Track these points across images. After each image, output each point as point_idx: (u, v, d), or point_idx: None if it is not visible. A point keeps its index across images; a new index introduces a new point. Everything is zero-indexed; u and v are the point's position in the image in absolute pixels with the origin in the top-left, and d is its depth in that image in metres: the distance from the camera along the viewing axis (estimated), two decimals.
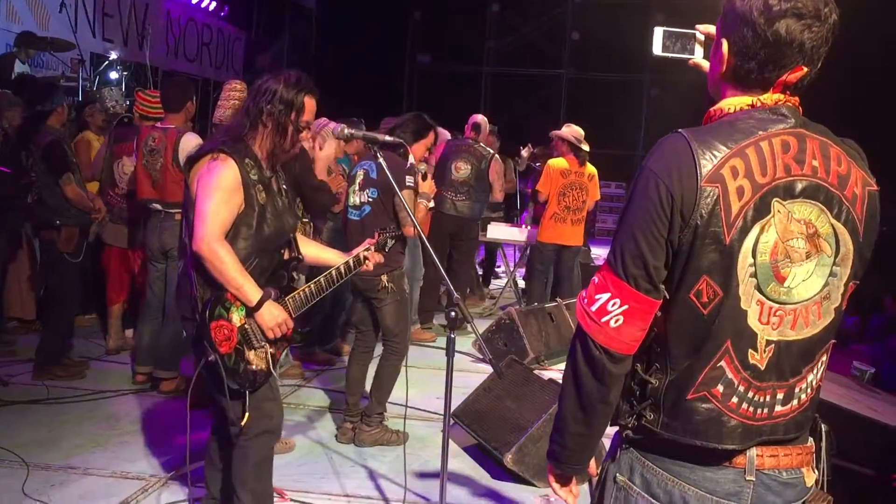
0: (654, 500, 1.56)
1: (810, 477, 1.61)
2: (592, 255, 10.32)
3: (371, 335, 4.64)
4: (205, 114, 9.55)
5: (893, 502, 6.17)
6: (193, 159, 2.89)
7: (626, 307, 1.51)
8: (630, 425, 1.60)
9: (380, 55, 16.17)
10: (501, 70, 17.60)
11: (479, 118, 7.51)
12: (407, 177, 4.19)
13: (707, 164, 1.47)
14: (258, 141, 2.92)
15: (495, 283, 9.99)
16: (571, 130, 7.16)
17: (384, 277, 4.27)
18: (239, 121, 2.92)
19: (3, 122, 5.60)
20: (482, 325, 6.99)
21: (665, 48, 1.81)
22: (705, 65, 1.72)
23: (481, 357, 6.31)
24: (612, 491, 1.63)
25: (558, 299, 6.88)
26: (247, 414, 2.84)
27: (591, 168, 7.27)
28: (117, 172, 5.95)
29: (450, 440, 4.44)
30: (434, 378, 5.02)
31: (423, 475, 4.03)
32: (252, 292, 2.80)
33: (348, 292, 6.16)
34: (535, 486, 3.96)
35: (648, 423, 1.57)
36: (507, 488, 3.97)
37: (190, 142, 4.86)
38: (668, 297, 1.52)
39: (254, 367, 2.86)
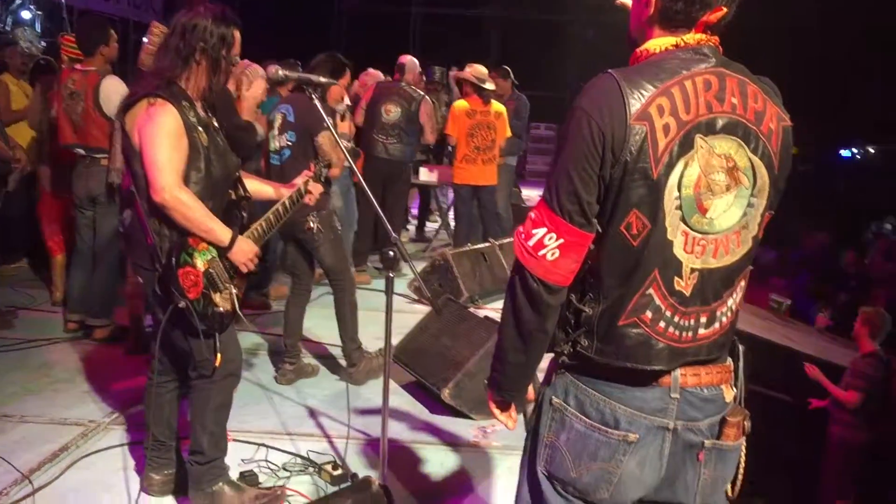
0: (587, 419, 1.66)
1: (729, 393, 1.74)
2: (524, 197, 10.48)
3: (307, 277, 4.67)
4: (125, 57, 9.22)
5: (808, 425, 6.58)
6: (128, 105, 2.83)
7: (561, 241, 1.59)
8: (565, 352, 1.69)
9: None
10: (431, 10, 17.40)
11: (406, 59, 7.46)
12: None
13: (635, 103, 1.54)
14: (191, 81, 2.88)
15: (430, 226, 10.06)
16: (473, 70, 7.19)
17: (310, 219, 4.30)
18: (170, 62, 2.84)
19: None
20: (417, 268, 7.09)
21: None
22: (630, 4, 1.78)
23: (417, 298, 6.41)
24: (548, 413, 1.73)
25: (490, 240, 6.99)
26: (218, 355, 2.88)
27: (497, 106, 7.31)
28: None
29: (391, 378, 4.59)
30: (371, 320, 5.07)
31: (364, 412, 4.12)
32: (223, 232, 2.83)
33: (277, 237, 6.18)
34: (472, 418, 4.10)
35: (583, 349, 1.66)
36: (446, 422, 4.10)
37: (110, 86, 4.74)
38: (600, 230, 1.61)
39: (221, 309, 2.88)
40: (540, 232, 1.61)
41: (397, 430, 3.93)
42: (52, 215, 5.90)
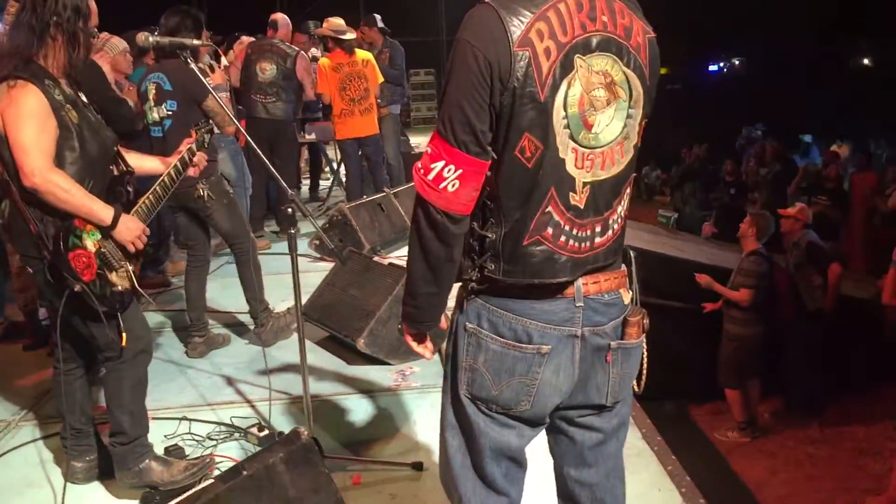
0: (501, 339, 1.75)
1: (626, 296, 1.86)
2: (412, 144, 10.50)
3: (203, 248, 4.59)
4: None
5: (704, 330, 6.96)
6: None
7: (460, 171, 1.64)
8: (473, 278, 1.76)
9: None
10: None
11: (278, 15, 7.31)
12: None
13: (516, 30, 1.59)
14: (50, 58, 2.76)
15: (323, 184, 9.97)
16: (329, 24, 7.15)
17: (200, 186, 4.22)
18: (24, 40, 2.71)
19: None
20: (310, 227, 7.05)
21: None
22: None
23: (319, 256, 6.39)
24: (464, 339, 1.80)
25: (385, 189, 7.01)
26: (123, 335, 2.82)
27: (363, 54, 7.26)
28: None
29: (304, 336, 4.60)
30: (275, 283, 5.06)
31: (281, 371, 4.13)
32: (103, 212, 2.74)
33: (169, 211, 6.02)
34: (390, 364, 4.17)
35: (490, 272, 1.74)
36: (364, 371, 4.16)
37: None
38: (495, 156, 1.67)
39: (119, 287, 2.82)
40: (438, 165, 1.65)
41: (318, 386, 3.96)
42: None
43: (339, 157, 8.37)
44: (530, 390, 1.76)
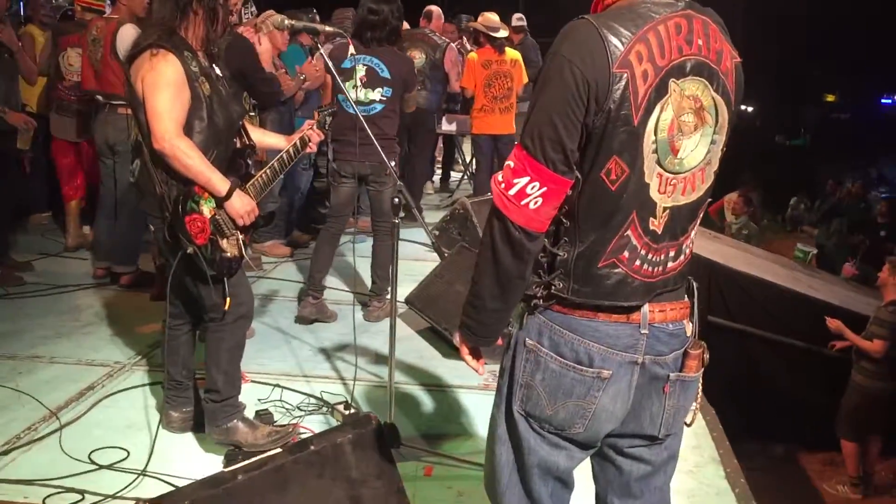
0: (561, 359, 1.73)
1: (689, 328, 1.82)
2: None
3: (345, 220, 4.81)
4: None
5: (826, 374, 6.58)
6: (132, 57, 2.89)
7: (544, 189, 1.62)
8: (539, 294, 1.75)
9: None
10: None
11: (432, 7, 7.43)
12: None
13: (616, 50, 1.56)
14: (191, 31, 2.94)
15: (455, 176, 10.09)
16: (483, 19, 7.14)
17: (393, 163, 4.43)
18: (169, 13, 2.89)
19: None
20: (439, 216, 7.16)
21: None
22: None
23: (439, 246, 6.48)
24: (522, 355, 1.79)
25: None
26: (227, 299, 2.98)
27: (512, 53, 7.24)
28: (63, 65, 5.83)
29: (405, 324, 4.70)
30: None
31: (377, 355, 4.23)
32: (220, 183, 2.89)
33: (299, 182, 6.30)
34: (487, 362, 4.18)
35: (558, 290, 1.72)
36: (457, 366, 4.18)
37: (126, 33, 4.79)
38: (579, 176, 1.64)
39: (228, 254, 2.98)
40: (522, 181, 1.63)
41: (409, 374, 4.04)
42: (65, 162, 6.03)
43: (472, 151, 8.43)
44: (586, 413, 1.74)
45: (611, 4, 1.67)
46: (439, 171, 9.88)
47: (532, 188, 1.62)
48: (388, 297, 4.71)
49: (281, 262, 6.06)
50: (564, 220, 1.69)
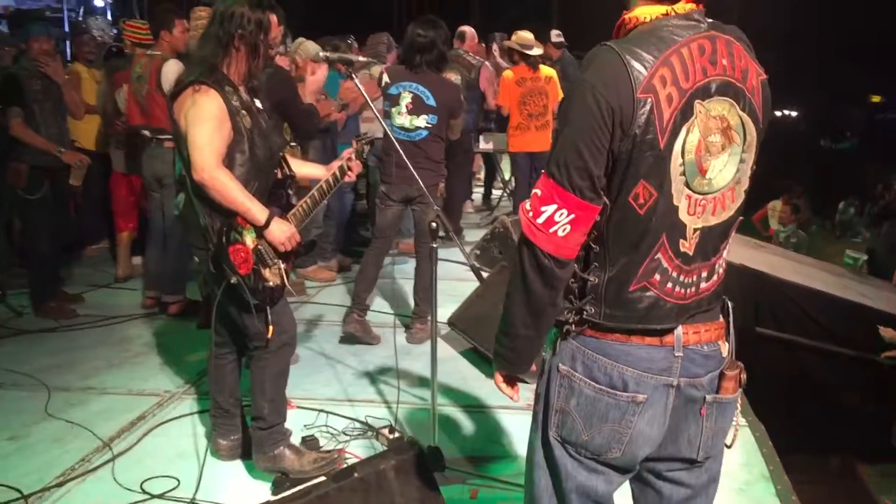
0: (595, 384, 1.73)
1: (725, 348, 1.80)
2: None
3: (390, 241, 4.92)
4: None
5: (880, 384, 6.43)
6: (175, 94, 2.98)
7: (573, 216, 1.63)
8: (571, 320, 1.75)
9: None
10: None
11: (465, 28, 7.50)
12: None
13: (639, 76, 1.57)
14: (233, 66, 3.02)
15: (496, 194, 10.11)
16: (517, 37, 7.17)
17: (441, 185, 4.64)
18: (211, 50, 2.98)
19: None
20: (480, 234, 7.19)
21: None
22: None
23: (479, 266, 6.49)
24: (556, 380, 1.79)
25: None
26: (270, 327, 3.04)
27: (547, 70, 7.27)
28: (120, 101, 5.98)
29: (448, 345, 4.72)
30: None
31: (420, 377, 4.25)
32: (259, 213, 2.95)
33: (342, 206, 6.39)
34: (527, 382, 4.17)
35: (590, 316, 1.72)
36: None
37: (170, 69, 4.92)
38: (607, 202, 1.65)
39: (271, 283, 3.04)
40: (550, 209, 1.64)
41: (451, 396, 4.05)
42: (120, 195, 6.20)
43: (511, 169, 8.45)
44: (622, 438, 1.73)
45: (632, 29, 1.68)
46: (480, 190, 9.91)
47: (560, 215, 1.64)
48: (424, 321, 4.75)
49: (325, 286, 6.14)
50: (594, 246, 1.70)
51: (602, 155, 1.61)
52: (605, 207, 1.66)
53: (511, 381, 1.95)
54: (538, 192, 1.67)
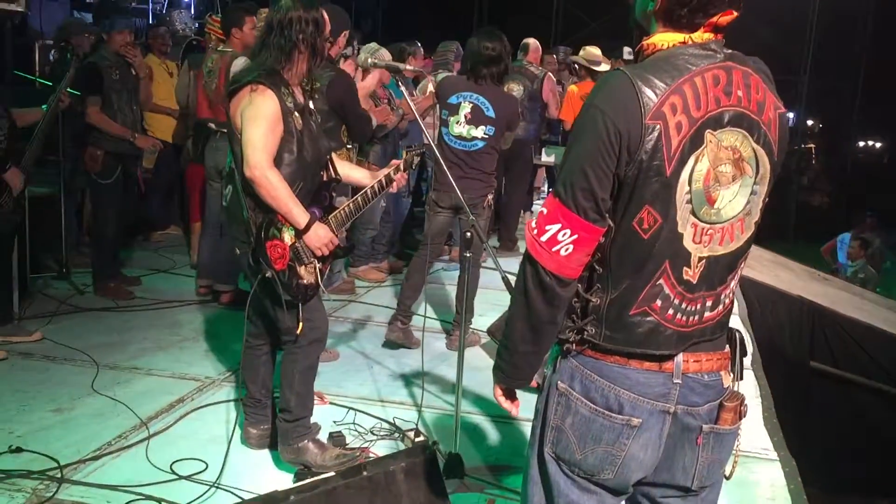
0: (592, 404, 1.74)
1: (727, 379, 1.79)
2: None
3: (438, 248, 5.00)
4: None
5: None
6: (232, 92, 3.08)
7: (576, 236, 1.65)
8: (571, 339, 1.76)
9: None
10: None
11: (529, 40, 7.52)
12: None
13: (649, 102, 1.58)
14: (293, 69, 3.10)
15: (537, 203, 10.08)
16: (585, 53, 7.15)
17: (489, 196, 4.69)
18: (274, 59, 3.05)
19: (73, 47, 5.88)
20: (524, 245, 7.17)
21: None
22: None
23: None
24: (554, 397, 1.81)
25: None
26: (300, 324, 3.12)
27: None
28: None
29: (486, 354, 4.75)
30: (479, 295, 5.17)
31: (455, 384, 4.27)
32: (300, 216, 3.04)
33: (399, 209, 6.46)
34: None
35: (590, 336, 1.73)
36: (529, 398, 4.19)
37: (239, 65, 5.06)
38: (612, 224, 1.67)
39: (305, 281, 3.12)
40: (553, 228, 1.66)
41: (481, 404, 4.06)
42: (194, 185, 6.41)
43: None
44: (615, 460, 1.74)
45: (649, 55, 1.69)
46: (539, 201, 9.89)
47: (563, 235, 1.65)
48: (472, 326, 4.79)
49: (374, 286, 6.23)
50: (597, 267, 1.71)
51: (608, 178, 1.62)
52: (609, 230, 1.67)
53: (510, 395, 1.97)
54: (544, 210, 1.70)
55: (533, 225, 1.71)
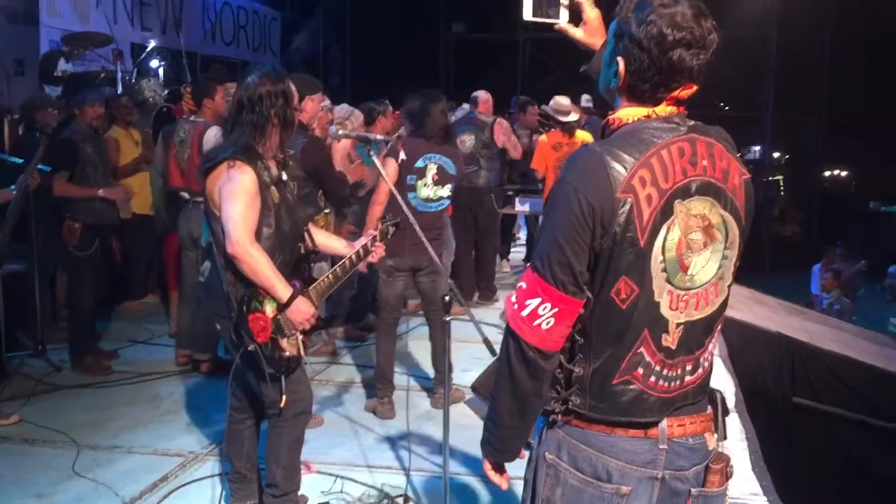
0: (580, 474, 1.74)
1: (711, 441, 1.81)
2: None
3: (399, 311, 4.91)
4: None
5: None
6: (209, 168, 3.08)
7: (556, 310, 1.67)
8: (557, 410, 1.78)
9: (414, 27, 16.27)
10: (540, 35, 17.42)
11: (479, 92, 7.65)
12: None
13: (619, 176, 1.63)
14: (266, 142, 3.12)
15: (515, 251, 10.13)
16: (555, 103, 7.24)
17: (444, 254, 4.61)
18: (248, 135, 3.07)
19: (38, 123, 5.90)
20: (505, 294, 7.19)
21: (535, 13, 2.05)
22: (571, 30, 2.02)
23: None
24: (543, 468, 1.82)
25: None
26: (284, 396, 3.10)
27: (582, 135, 7.31)
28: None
29: (470, 411, 4.73)
30: (460, 350, 5.17)
31: (440, 444, 4.24)
32: (283, 290, 3.03)
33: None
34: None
35: (575, 406, 1.75)
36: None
37: (211, 136, 5.11)
38: (590, 296, 1.69)
39: (287, 353, 3.11)
40: (534, 302, 1.68)
41: (470, 464, 4.03)
42: (171, 254, 6.38)
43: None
44: None
45: (615, 129, 1.73)
46: (520, 250, 9.93)
47: (544, 309, 1.67)
48: (454, 383, 4.76)
49: (354, 346, 6.20)
50: (578, 337, 1.73)
51: (584, 252, 1.65)
52: (588, 301, 1.69)
53: (500, 468, 1.96)
54: (523, 285, 1.72)
55: (513, 300, 1.73)
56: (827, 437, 6.47)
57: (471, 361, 5.36)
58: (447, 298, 3.17)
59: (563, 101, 7.27)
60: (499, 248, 8.49)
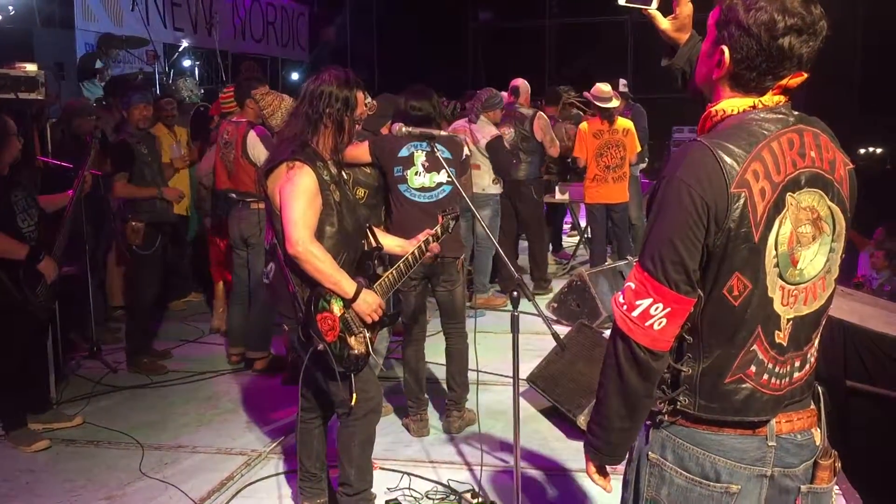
0: (687, 473, 1.72)
1: (818, 436, 1.78)
2: None
3: (424, 321, 4.56)
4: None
5: None
6: (269, 170, 3.10)
7: (668, 309, 1.64)
8: (664, 410, 1.75)
9: (441, 16, 16.19)
10: (566, 21, 17.29)
11: (519, 82, 7.56)
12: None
13: (732, 171, 1.60)
14: (321, 142, 3.13)
15: (568, 241, 10.10)
16: (595, 90, 7.17)
17: (462, 257, 4.47)
18: (301, 127, 3.11)
19: (74, 129, 5.98)
20: (558, 285, 7.17)
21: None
22: (659, 18, 2.01)
23: (556, 319, 6.44)
24: (646, 469, 1.79)
25: (628, 256, 6.97)
26: (354, 395, 3.11)
27: (623, 122, 7.29)
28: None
29: (528, 403, 4.71)
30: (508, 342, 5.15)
31: (502, 440, 4.25)
32: (348, 285, 3.05)
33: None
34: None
35: (683, 406, 1.72)
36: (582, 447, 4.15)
37: (253, 136, 5.16)
38: (702, 294, 1.66)
39: (356, 351, 3.12)
40: (645, 302, 1.65)
41: (534, 457, 4.04)
42: (215, 253, 6.44)
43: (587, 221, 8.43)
44: None
45: (719, 122, 1.70)
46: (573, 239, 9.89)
47: (655, 309, 1.65)
48: (468, 405, 4.47)
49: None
50: (687, 336, 1.71)
51: (697, 250, 1.62)
52: (699, 300, 1.67)
53: (604, 471, 1.91)
54: (632, 285, 1.69)
55: (621, 300, 1.70)
56: (882, 420, 6.37)
57: (524, 352, 5.28)
58: (514, 294, 3.15)
59: (604, 87, 7.21)
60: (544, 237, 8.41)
